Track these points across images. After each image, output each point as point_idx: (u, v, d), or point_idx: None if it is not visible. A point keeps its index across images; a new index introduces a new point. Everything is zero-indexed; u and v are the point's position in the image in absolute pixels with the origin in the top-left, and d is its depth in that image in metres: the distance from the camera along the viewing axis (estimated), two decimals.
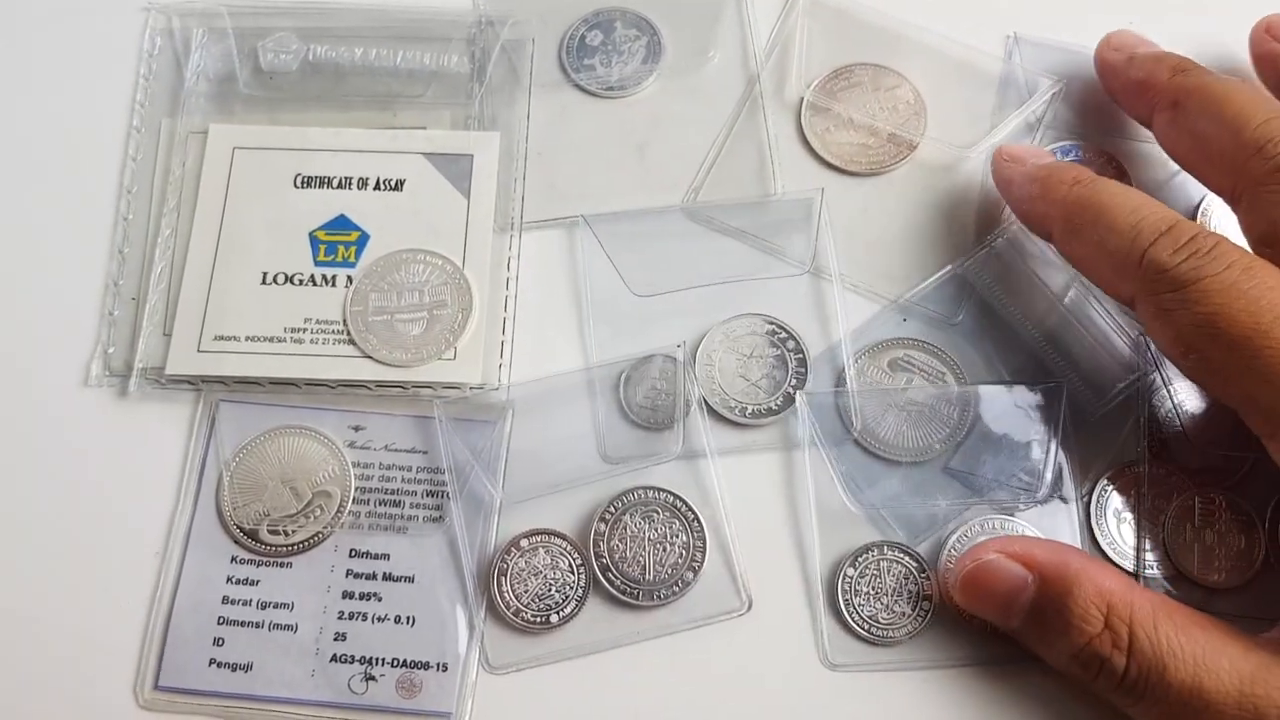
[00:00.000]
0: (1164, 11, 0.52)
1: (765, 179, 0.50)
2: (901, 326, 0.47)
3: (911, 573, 0.44)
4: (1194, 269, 0.38)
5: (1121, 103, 0.49)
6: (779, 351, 0.47)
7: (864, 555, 0.44)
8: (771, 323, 0.47)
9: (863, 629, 0.43)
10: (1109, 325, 0.46)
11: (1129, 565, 0.44)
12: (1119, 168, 0.49)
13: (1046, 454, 0.44)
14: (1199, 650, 0.37)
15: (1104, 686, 0.38)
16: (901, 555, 0.44)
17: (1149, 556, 0.44)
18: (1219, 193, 0.44)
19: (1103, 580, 0.38)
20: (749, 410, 0.46)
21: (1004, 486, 0.44)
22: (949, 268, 0.48)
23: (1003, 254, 0.48)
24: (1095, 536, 0.44)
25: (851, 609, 0.43)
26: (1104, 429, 0.46)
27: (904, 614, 0.43)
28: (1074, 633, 0.38)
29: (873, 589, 0.44)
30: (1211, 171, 0.43)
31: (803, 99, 0.51)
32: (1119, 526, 0.44)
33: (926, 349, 0.47)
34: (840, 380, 0.46)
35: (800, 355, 0.47)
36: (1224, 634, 0.38)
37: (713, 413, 0.46)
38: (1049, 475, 0.44)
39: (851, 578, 0.44)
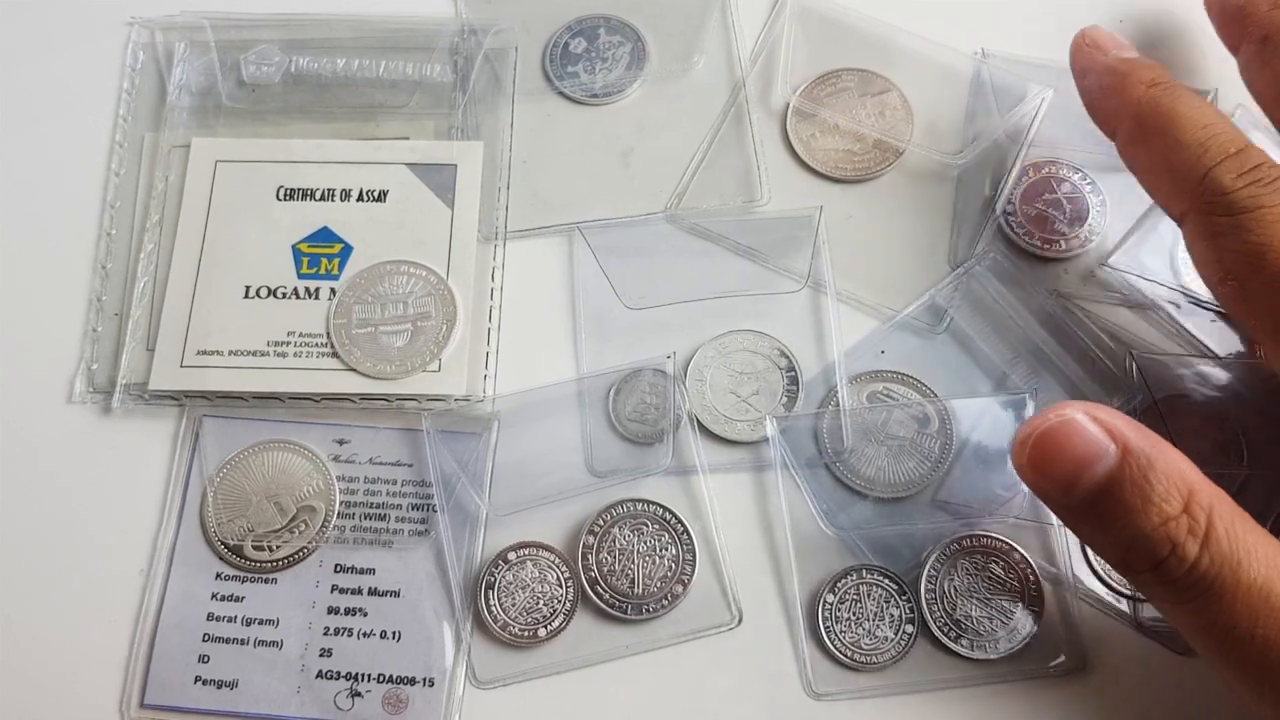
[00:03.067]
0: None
1: (750, 185, 0.49)
2: (880, 359, 0.47)
3: (892, 595, 0.43)
4: (1253, 196, 0.38)
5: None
6: (771, 369, 0.47)
7: (843, 580, 0.44)
8: (765, 339, 0.47)
9: (845, 655, 0.43)
10: (1089, 348, 0.45)
11: (1125, 588, 0.43)
12: (1092, 184, 0.49)
13: None
14: (1272, 553, 0.35)
15: (1158, 578, 0.35)
16: (881, 578, 0.44)
17: None
18: None
19: (1184, 466, 0.36)
20: (739, 427, 0.46)
21: (983, 504, 0.44)
22: (925, 296, 0.47)
23: (979, 279, 0.47)
24: (1089, 559, 0.44)
25: (833, 635, 0.43)
26: None
27: (886, 639, 0.43)
28: (1151, 511, 0.35)
29: (853, 614, 0.43)
30: None
31: (788, 104, 0.51)
32: None
33: (905, 381, 0.46)
34: (827, 402, 0.46)
35: (793, 374, 0.46)
36: None
37: (703, 428, 0.46)
38: (1025, 488, 0.43)
39: (831, 604, 0.43)
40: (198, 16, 0.52)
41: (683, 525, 0.44)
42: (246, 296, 0.47)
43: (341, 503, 0.45)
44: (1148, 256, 0.47)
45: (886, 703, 0.42)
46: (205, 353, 0.46)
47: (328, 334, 0.46)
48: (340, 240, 0.48)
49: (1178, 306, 0.47)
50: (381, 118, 0.51)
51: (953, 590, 0.43)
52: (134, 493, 0.46)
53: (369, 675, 0.43)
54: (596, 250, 0.48)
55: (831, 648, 0.43)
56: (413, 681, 0.43)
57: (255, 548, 0.45)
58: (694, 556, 0.44)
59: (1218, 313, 0.46)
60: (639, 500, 0.45)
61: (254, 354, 0.46)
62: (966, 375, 0.46)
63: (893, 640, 0.43)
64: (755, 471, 0.46)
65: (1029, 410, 0.44)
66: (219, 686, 0.43)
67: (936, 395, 0.46)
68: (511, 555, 0.44)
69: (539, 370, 0.47)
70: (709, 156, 0.50)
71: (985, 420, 0.45)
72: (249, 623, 0.44)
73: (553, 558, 0.44)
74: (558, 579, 0.44)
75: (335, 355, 0.46)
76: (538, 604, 0.43)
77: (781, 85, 0.51)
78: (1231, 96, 0.48)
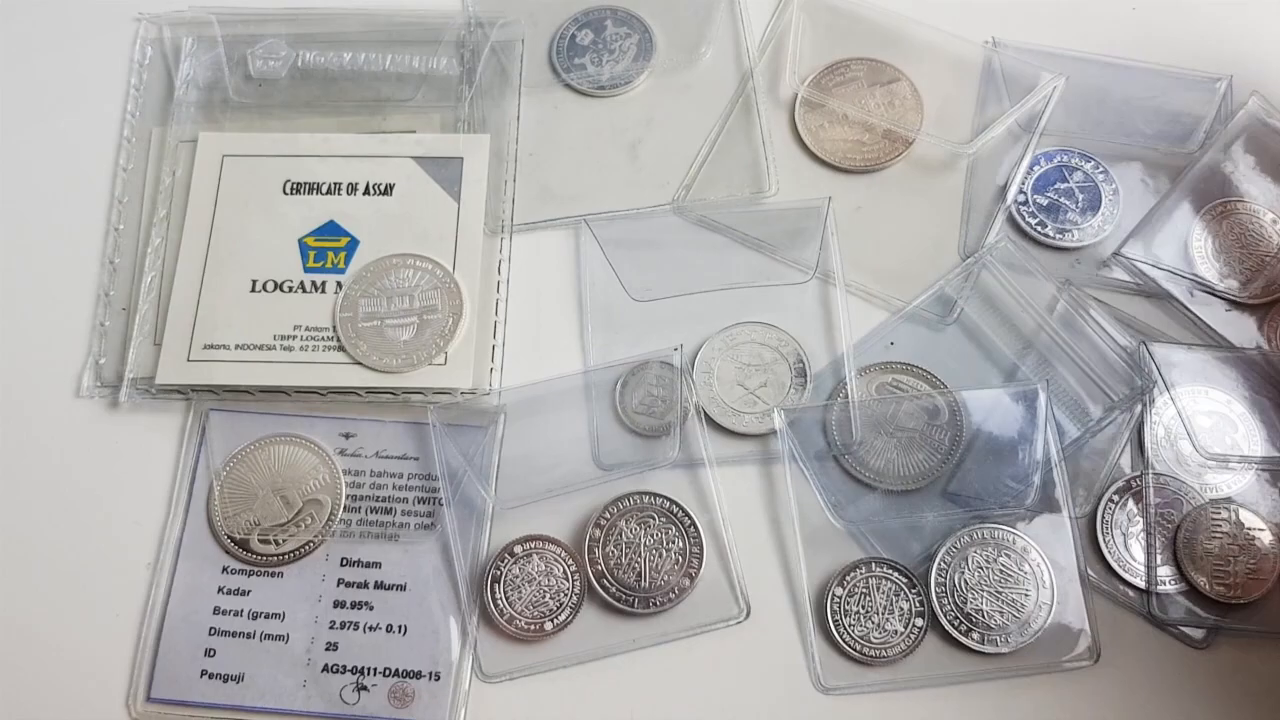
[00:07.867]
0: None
1: (758, 176, 0.49)
2: (889, 350, 0.46)
3: (901, 589, 0.43)
4: None
5: None
6: (779, 361, 0.46)
7: (852, 573, 0.43)
8: (773, 331, 0.47)
9: (854, 649, 0.42)
10: (1101, 338, 0.45)
11: (1139, 581, 0.43)
12: (1105, 173, 0.48)
13: (1032, 459, 0.43)
14: None
15: None
16: (890, 571, 0.43)
17: (1161, 572, 0.43)
18: None
19: None
20: (746, 419, 0.45)
21: (994, 497, 0.43)
22: (935, 286, 0.47)
23: (990, 269, 0.47)
24: (1102, 552, 0.43)
25: (842, 629, 0.42)
26: (1105, 442, 0.44)
27: (896, 632, 0.42)
28: None
29: (862, 608, 0.43)
30: None
31: (797, 95, 0.50)
32: (1126, 542, 0.43)
33: (915, 373, 0.46)
34: (836, 394, 0.45)
35: (801, 366, 0.46)
36: None
37: (710, 421, 0.45)
38: (1036, 479, 0.43)
39: (840, 597, 0.43)
40: (205, 11, 0.52)
41: (690, 518, 0.44)
42: (253, 290, 0.47)
43: (348, 496, 0.45)
44: (1161, 245, 0.47)
45: (896, 697, 0.42)
46: (212, 347, 0.46)
47: (334, 328, 0.46)
48: (347, 234, 0.48)
49: (1191, 296, 0.46)
50: (388, 111, 0.51)
51: (963, 583, 0.43)
52: (141, 487, 0.46)
53: (375, 669, 0.43)
54: (603, 243, 0.48)
55: (840, 641, 0.42)
56: (419, 675, 0.43)
57: (261, 541, 0.45)
58: (701, 550, 0.44)
59: (1231, 301, 0.46)
60: (646, 493, 0.44)
61: (260, 348, 0.46)
62: (977, 367, 0.46)
63: (902, 634, 0.42)
64: (763, 464, 0.45)
65: (1040, 402, 0.43)
66: (225, 680, 0.43)
67: (946, 387, 0.45)
68: (518, 549, 0.44)
69: (545, 363, 0.47)
70: (717, 148, 0.50)
71: (996, 412, 0.44)
72: (255, 616, 0.44)
73: (559, 551, 0.44)
74: (564, 572, 0.44)
75: (341, 349, 0.46)
76: (544, 597, 0.43)
77: (790, 75, 0.51)
78: (1246, 83, 0.48)
